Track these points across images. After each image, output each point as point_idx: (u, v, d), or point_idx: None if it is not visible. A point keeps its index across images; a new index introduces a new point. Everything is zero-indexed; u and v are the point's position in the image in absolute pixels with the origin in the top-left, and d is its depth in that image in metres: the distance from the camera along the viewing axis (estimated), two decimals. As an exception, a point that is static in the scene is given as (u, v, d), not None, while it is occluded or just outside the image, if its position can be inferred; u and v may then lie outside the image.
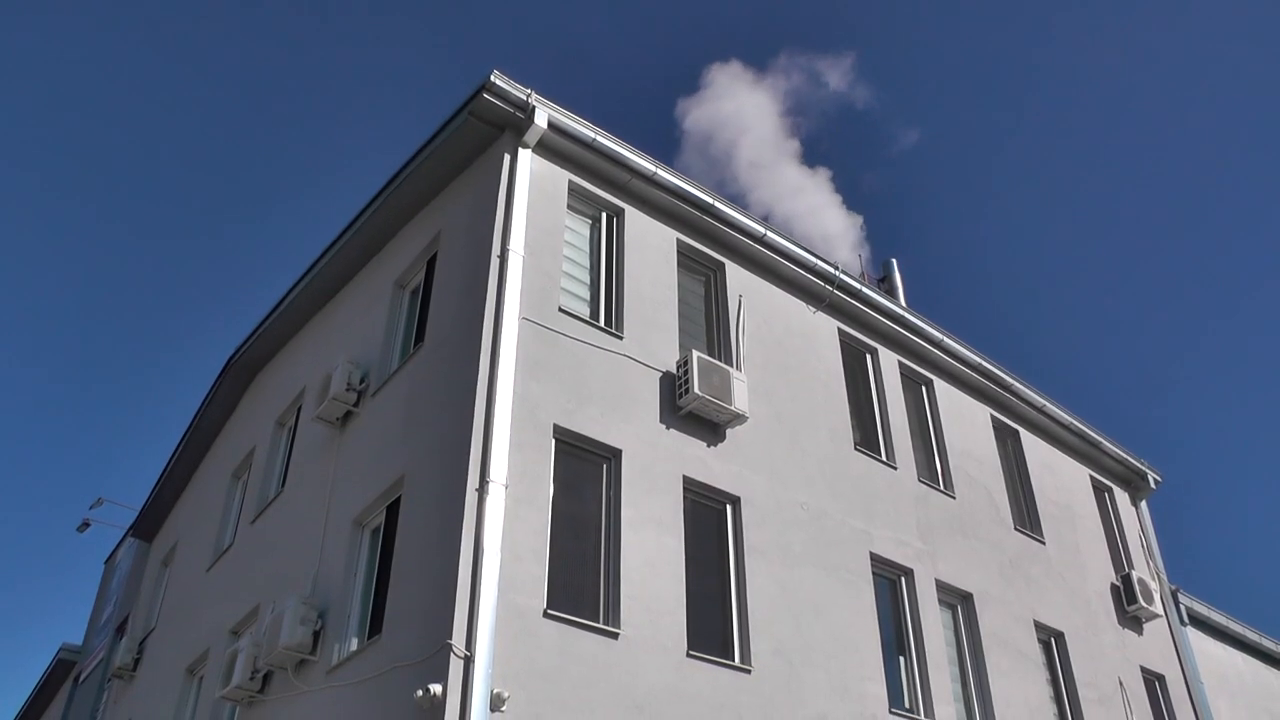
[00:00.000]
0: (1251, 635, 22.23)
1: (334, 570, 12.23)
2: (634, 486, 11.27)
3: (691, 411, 12.16)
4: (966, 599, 14.80)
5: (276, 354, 18.02)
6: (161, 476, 21.55)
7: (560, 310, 11.81)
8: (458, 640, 9.17)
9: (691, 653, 10.80)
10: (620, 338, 12.19)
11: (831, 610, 12.54)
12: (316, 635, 11.86)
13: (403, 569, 10.86)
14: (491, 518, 9.73)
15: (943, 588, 14.49)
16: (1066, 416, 18.89)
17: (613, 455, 11.36)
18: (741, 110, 38.81)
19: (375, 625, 11.14)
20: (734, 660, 11.25)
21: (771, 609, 11.85)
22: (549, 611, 9.92)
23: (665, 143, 64.06)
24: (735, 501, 12.27)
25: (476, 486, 9.90)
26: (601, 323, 12.30)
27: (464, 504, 9.80)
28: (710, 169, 39.59)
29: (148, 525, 23.03)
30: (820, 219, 32.71)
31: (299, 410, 15.90)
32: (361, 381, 13.36)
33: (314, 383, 14.64)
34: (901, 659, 13.51)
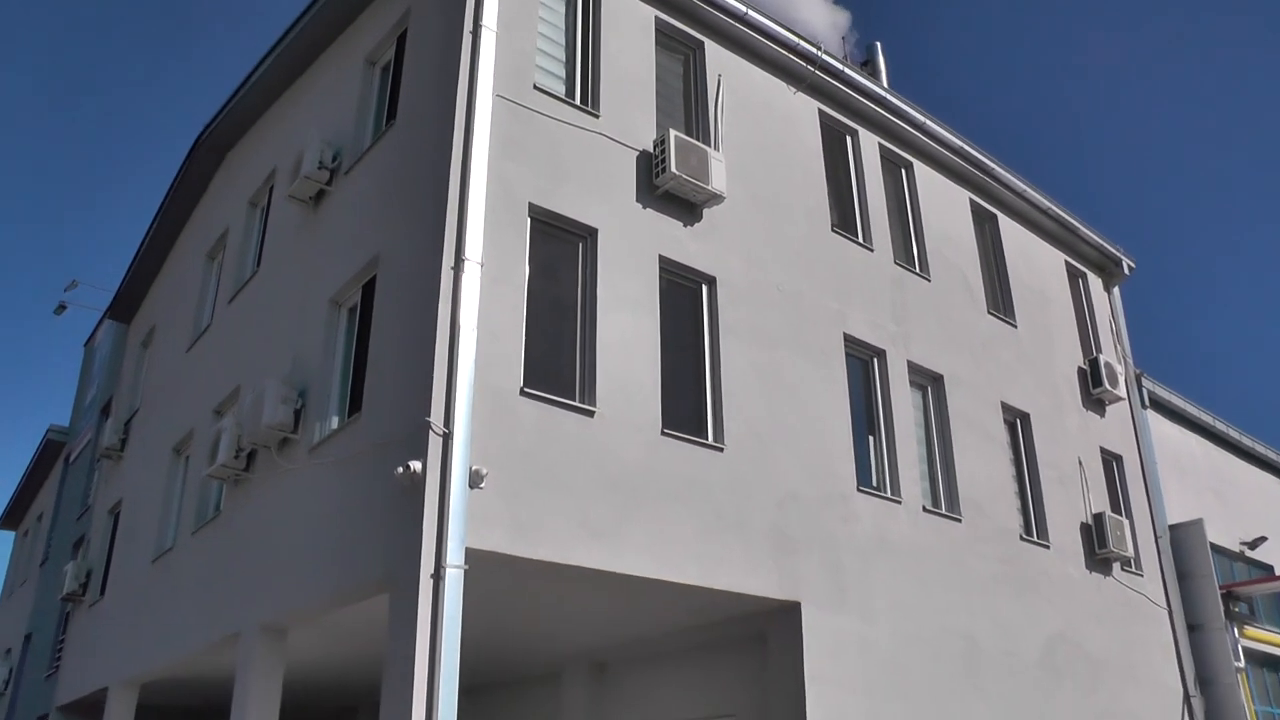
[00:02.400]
0: (1206, 418, 22.87)
1: (312, 350, 12.33)
2: (610, 266, 11.26)
3: (668, 191, 12.04)
4: (937, 380, 15.09)
5: (247, 132, 17.64)
6: (135, 258, 21.43)
7: (535, 88, 11.51)
8: (436, 418, 9.32)
9: (666, 431, 11.03)
10: (597, 116, 11.94)
11: (804, 390, 12.77)
12: (298, 414, 12.05)
13: (380, 348, 10.94)
14: (467, 296, 9.73)
15: (914, 369, 14.74)
16: (1045, 201, 18.83)
17: (589, 234, 11.30)
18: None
19: (355, 404, 11.30)
20: (707, 439, 11.50)
21: (745, 389, 12.06)
22: (525, 390, 10.05)
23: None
24: (711, 282, 12.31)
25: (452, 265, 9.86)
26: (577, 101, 12.01)
27: (439, 283, 9.78)
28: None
29: (125, 307, 23.04)
30: (806, 11, 31.68)
31: (271, 190, 15.70)
32: (334, 160, 13.13)
33: (285, 162, 14.40)
34: (871, 439, 13.86)
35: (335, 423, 11.65)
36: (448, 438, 9.26)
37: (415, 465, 9.16)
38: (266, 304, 14.36)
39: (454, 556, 9.00)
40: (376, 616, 9.96)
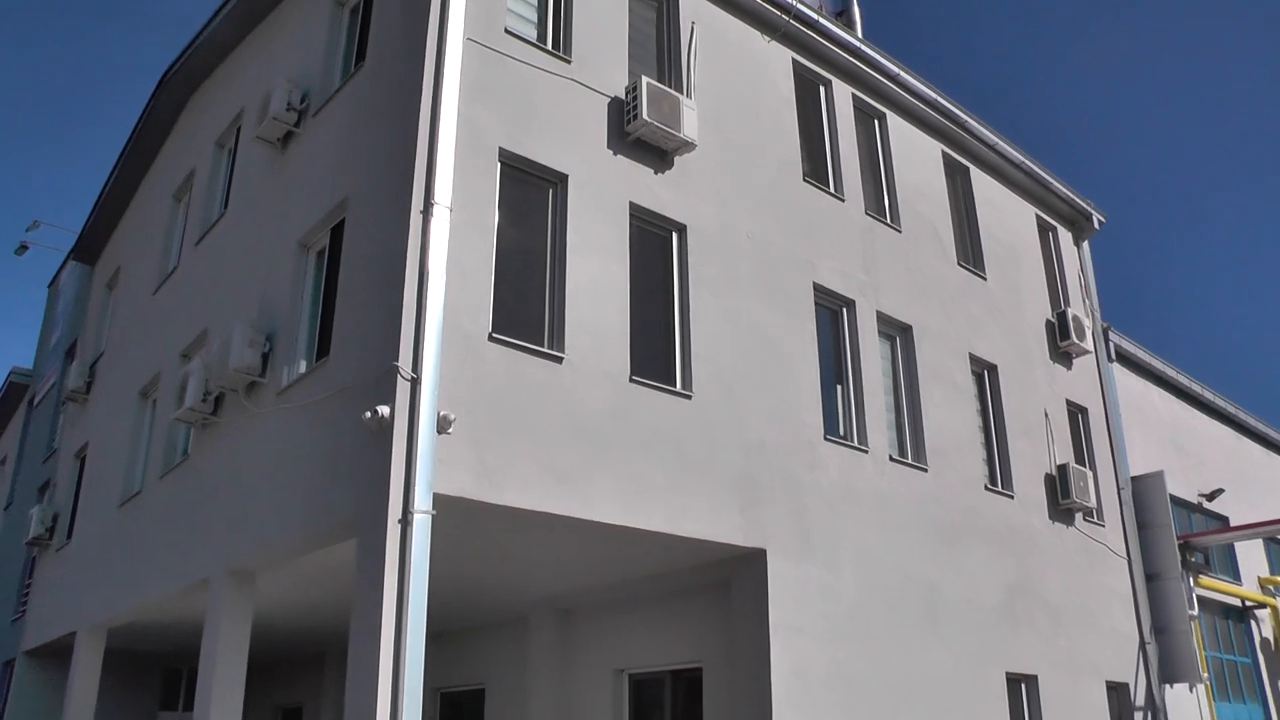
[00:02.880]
0: (1169, 372, 23.16)
1: (280, 293, 12.25)
2: (580, 212, 11.22)
3: (639, 138, 11.97)
4: (905, 331, 15.17)
5: (214, 73, 17.39)
6: (100, 199, 21.16)
7: (506, 32, 11.37)
8: (404, 362, 9.30)
9: (634, 378, 11.05)
10: (568, 62, 11.83)
11: (773, 339, 12.81)
12: (265, 358, 11.99)
13: (348, 292, 10.89)
14: (436, 241, 9.67)
15: (883, 319, 14.81)
16: (1017, 155, 18.87)
17: (559, 180, 11.24)
18: None
19: (323, 348, 11.26)
20: (675, 386, 11.54)
21: (714, 337, 12.08)
22: (494, 335, 10.04)
23: None
24: (681, 229, 12.28)
25: (421, 209, 9.78)
26: (549, 46, 11.89)
27: (408, 227, 9.72)
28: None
29: (89, 248, 22.77)
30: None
31: (238, 131, 15.51)
32: (302, 101, 12.97)
33: (253, 103, 14.22)
34: (839, 388, 13.94)
35: (303, 367, 11.61)
36: (415, 382, 9.24)
37: (383, 410, 9.15)
38: (234, 246, 14.24)
39: (421, 502, 9.03)
40: (344, 561, 10.01)
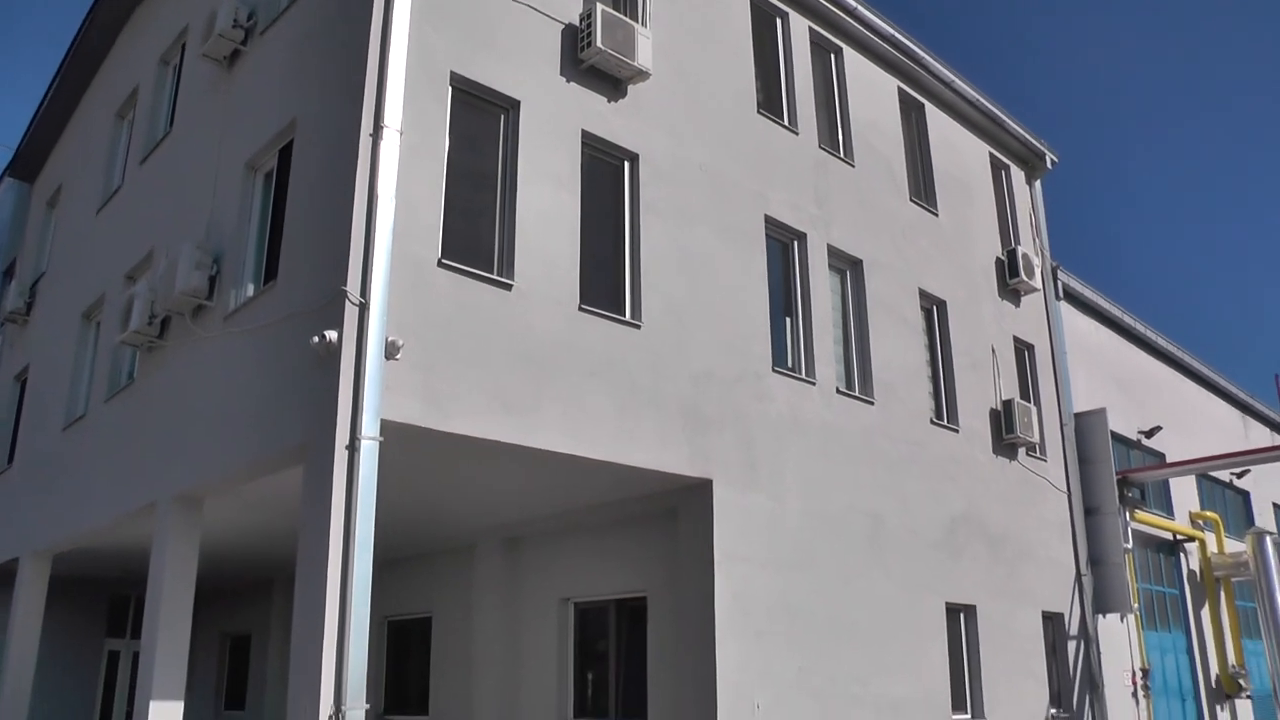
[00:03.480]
0: (1115, 311, 23.51)
1: (228, 215, 12.06)
2: (531, 139, 11.11)
3: (593, 65, 11.84)
4: (856, 265, 15.24)
5: (156, -15, 16.90)
6: (37, 115, 20.59)
7: (459, -49, 11.14)
8: (353, 287, 9.21)
9: (583, 307, 11.04)
10: (522, -15, 11.63)
11: (723, 270, 12.83)
12: (213, 281, 11.83)
13: (297, 215, 10.74)
14: (386, 165, 9.55)
15: (834, 253, 14.87)
16: (972, 93, 18.88)
17: (511, 106, 11.10)
18: None
19: (271, 271, 11.12)
20: (624, 315, 11.55)
21: (664, 267, 12.08)
22: (443, 261, 9.97)
23: None
24: (634, 158, 12.21)
25: (370, 133, 9.64)
26: (503, -33, 11.67)
27: (357, 150, 9.58)
28: None
29: (27, 165, 22.19)
30: None
31: (183, 48, 15.13)
32: (249, 19, 12.66)
33: (198, 19, 13.85)
34: (788, 320, 14.02)
35: (251, 290, 11.47)
36: (364, 307, 9.18)
37: (331, 335, 9.08)
38: (180, 166, 13.96)
39: (369, 428, 9.02)
40: (292, 487, 9.97)
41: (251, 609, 21.19)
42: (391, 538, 15.46)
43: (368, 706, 8.72)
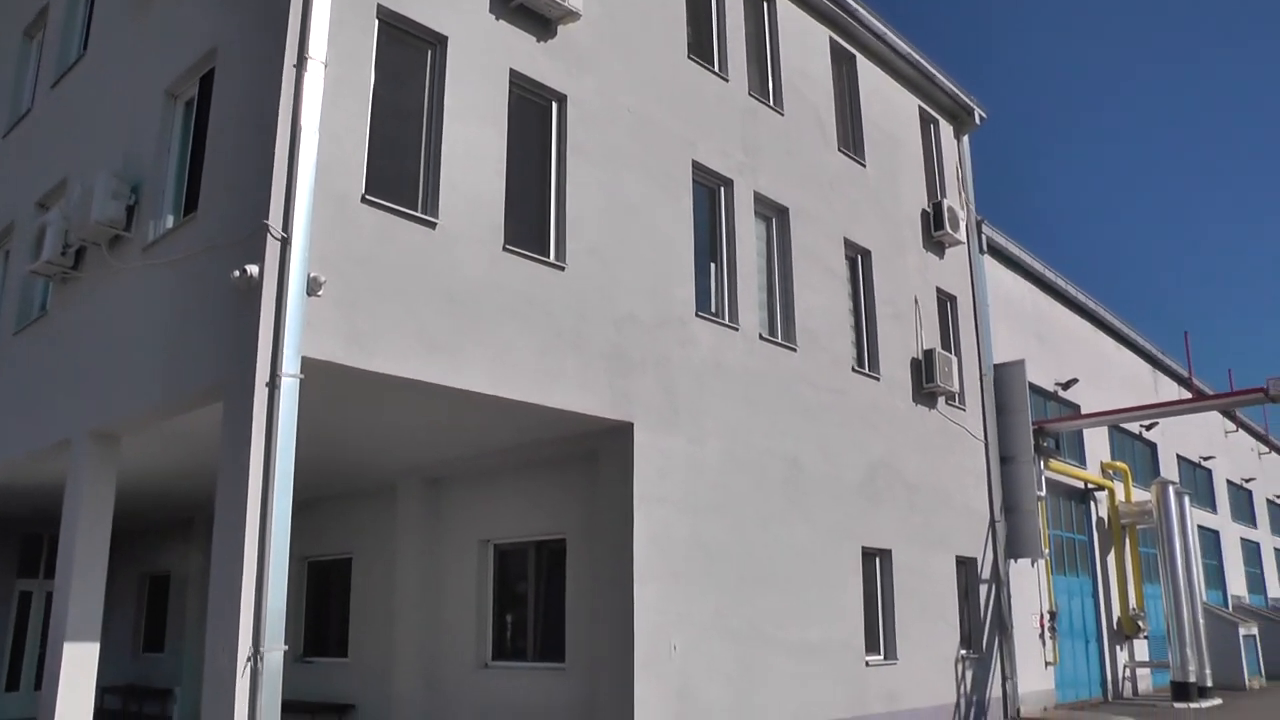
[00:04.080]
0: (1037, 266, 23.98)
1: (146, 143, 11.77)
2: (459, 76, 10.97)
3: (523, 4, 11.67)
4: (782, 213, 15.34)
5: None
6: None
7: (388, -120, 10.90)
8: (274, 221, 9.07)
9: (508, 247, 10.99)
10: (452, -83, 11.42)
11: (649, 214, 12.84)
12: (130, 211, 11.55)
13: (218, 146, 10.51)
14: (310, 97, 9.37)
15: (760, 200, 14.94)
16: (904, 46, 18.99)
17: (438, 42, 10.94)
18: None
19: (191, 203, 10.89)
20: (549, 257, 11.52)
21: (589, 209, 12.06)
22: (367, 197, 9.84)
23: None
24: (562, 99, 12.12)
25: (294, 63, 9.44)
26: (432, -101, 11.45)
27: (280, 81, 9.38)
28: None
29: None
30: None
31: (98, -32, 14.64)
32: (168, -58, 12.29)
33: (113, -62, 13.41)
34: (713, 266, 14.10)
35: (170, 222, 11.23)
36: (285, 242, 9.05)
37: (251, 269, 8.94)
38: (95, 91, 13.56)
39: (290, 365, 8.92)
40: (211, 425, 9.86)
41: (171, 548, 20.95)
42: (312, 477, 15.33)
43: (286, 648, 8.69)
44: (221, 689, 8.46)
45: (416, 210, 10.30)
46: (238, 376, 9.10)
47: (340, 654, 16.50)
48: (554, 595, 13.55)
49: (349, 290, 9.52)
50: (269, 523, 8.60)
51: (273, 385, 8.86)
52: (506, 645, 14.15)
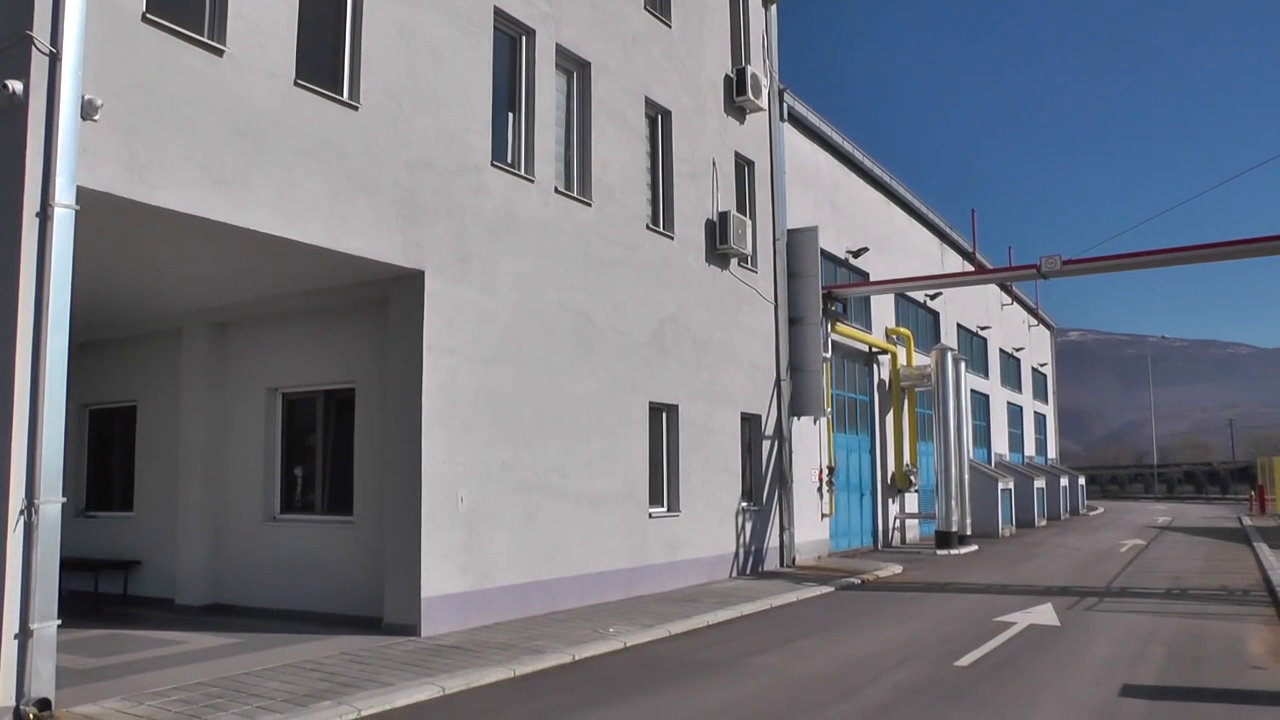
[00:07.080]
0: (836, 137, 24.68)
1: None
2: (244, -101, 10.43)
3: None
4: (584, 67, 15.31)
5: None
6: None
7: None
8: (40, 33, 8.41)
9: (299, 82, 10.65)
10: None
11: (448, 58, 12.62)
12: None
13: (-26, -44, 9.75)
14: (77, -94, 8.78)
15: (562, 53, 14.86)
16: (713, -98, 18.94)
17: None
18: None
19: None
20: (342, 95, 11.23)
21: (386, 48, 11.76)
22: (148, 16, 9.25)
23: None
24: (357, -68, 11.70)
25: None
26: None
27: (44, -114, 8.73)
28: None
29: None
30: None
31: None
32: None
33: None
34: (510, 116, 14.02)
35: (-79, 36, 10.43)
36: (55, 58, 8.47)
37: (15, 85, 8.35)
38: None
39: (63, 195, 8.42)
40: (-27, 255, 9.37)
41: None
42: (90, 317, 14.85)
43: (64, 500, 8.38)
44: (-10, 543, 8.14)
45: (203, 35, 9.80)
46: (3, 205, 8.55)
47: (125, 507, 16.08)
48: (343, 447, 13.56)
49: (129, 116, 9.07)
50: (43, 366, 8.18)
51: (44, 216, 8.31)
52: (296, 499, 14.14)
